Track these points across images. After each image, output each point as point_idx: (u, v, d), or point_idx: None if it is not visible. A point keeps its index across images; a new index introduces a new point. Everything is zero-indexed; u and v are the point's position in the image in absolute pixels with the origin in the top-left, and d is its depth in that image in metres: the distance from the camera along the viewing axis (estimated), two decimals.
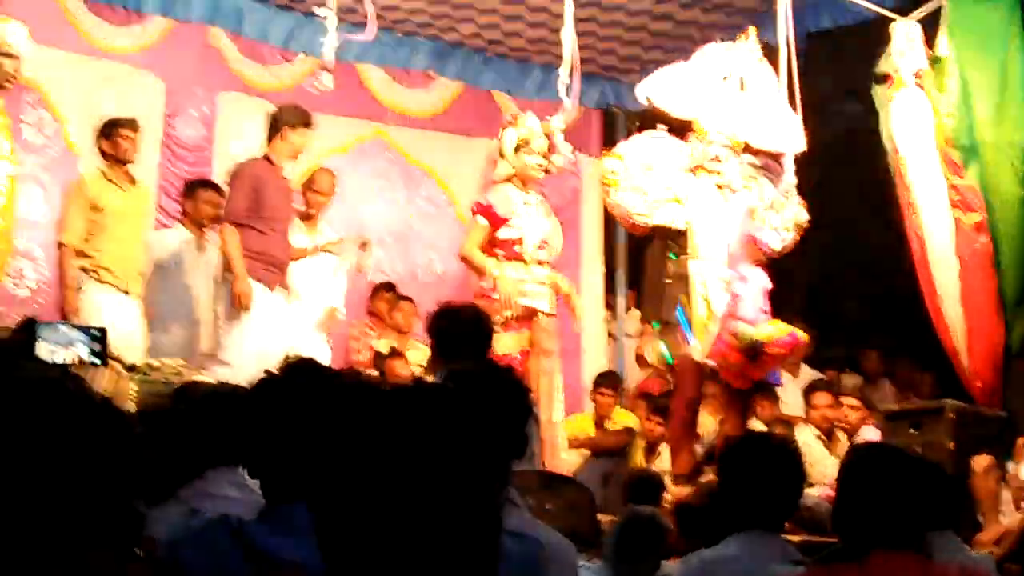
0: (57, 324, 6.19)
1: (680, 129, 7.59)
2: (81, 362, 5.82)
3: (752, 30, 7.55)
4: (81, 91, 8.78)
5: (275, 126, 7.64)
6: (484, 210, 7.22)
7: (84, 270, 7.66)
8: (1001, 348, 7.74)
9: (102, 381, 6.07)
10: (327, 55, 6.76)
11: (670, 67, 7.62)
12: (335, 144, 9.77)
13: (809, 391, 8.72)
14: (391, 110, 10.13)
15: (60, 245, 7.74)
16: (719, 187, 7.36)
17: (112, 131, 7.81)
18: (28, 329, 5.87)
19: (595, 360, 10.44)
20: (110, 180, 7.80)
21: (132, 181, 7.95)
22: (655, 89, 7.54)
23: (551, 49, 7.13)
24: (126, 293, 7.77)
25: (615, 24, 9.63)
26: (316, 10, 6.64)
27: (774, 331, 7.09)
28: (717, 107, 7.41)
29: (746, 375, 7.20)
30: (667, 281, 7.44)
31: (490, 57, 10.36)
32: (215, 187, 8.45)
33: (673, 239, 7.41)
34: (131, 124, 7.92)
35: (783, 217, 7.47)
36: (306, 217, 8.47)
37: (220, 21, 9.34)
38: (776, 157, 7.55)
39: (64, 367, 5.33)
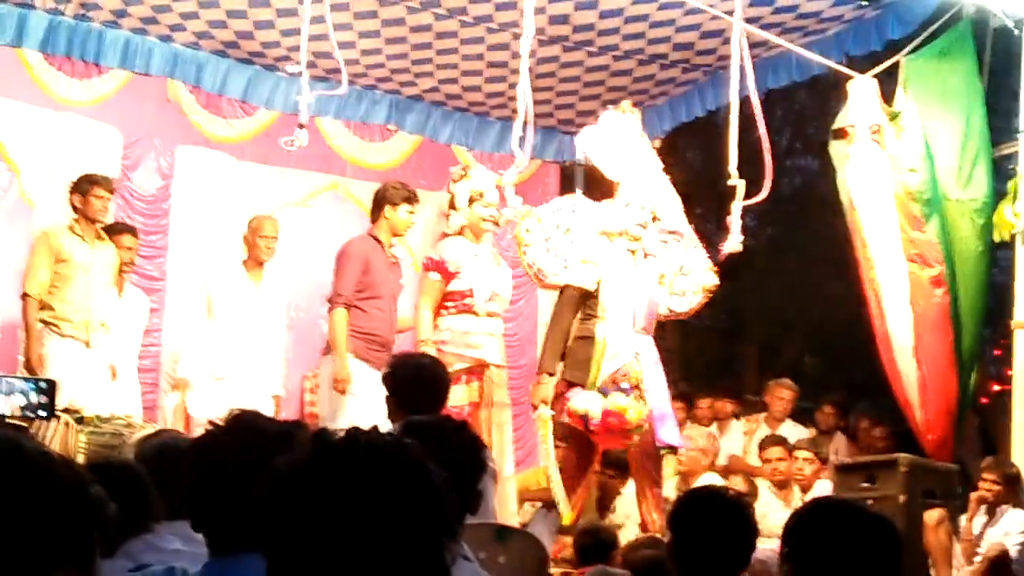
0: (4, 376, 6.16)
1: (605, 186, 7.65)
2: (24, 413, 5.78)
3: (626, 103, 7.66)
4: (37, 143, 8.79)
5: (379, 204, 7.61)
6: (436, 265, 7.22)
7: (45, 322, 7.65)
8: (955, 402, 7.80)
9: (48, 433, 6.05)
10: (302, 113, 6.75)
11: (611, 122, 7.60)
12: (293, 197, 9.79)
13: (763, 445, 8.76)
14: (350, 163, 10.15)
15: (24, 296, 7.70)
16: (632, 252, 7.35)
17: (87, 188, 7.81)
18: None
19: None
20: (77, 234, 7.79)
21: (99, 237, 7.95)
22: (591, 144, 7.57)
23: (510, 103, 7.17)
24: (87, 345, 7.75)
25: (572, 79, 9.70)
26: (288, 68, 6.64)
27: (599, 409, 7.03)
28: (643, 173, 7.44)
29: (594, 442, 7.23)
30: (581, 339, 7.34)
31: (449, 111, 10.41)
32: (132, 231, 8.43)
33: (584, 300, 7.32)
34: (107, 183, 7.94)
35: (692, 281, 7.56)
36: (255, 264, 8.44)
37: (179, 73, 9.34)
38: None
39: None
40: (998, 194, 7.71)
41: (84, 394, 7.49)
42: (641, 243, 7.33)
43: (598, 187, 8.07)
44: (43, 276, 7.67)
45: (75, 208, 7.83)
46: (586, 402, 6.98)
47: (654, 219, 7.43)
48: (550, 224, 7.46)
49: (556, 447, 7.22)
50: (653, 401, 7.14)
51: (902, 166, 7.81)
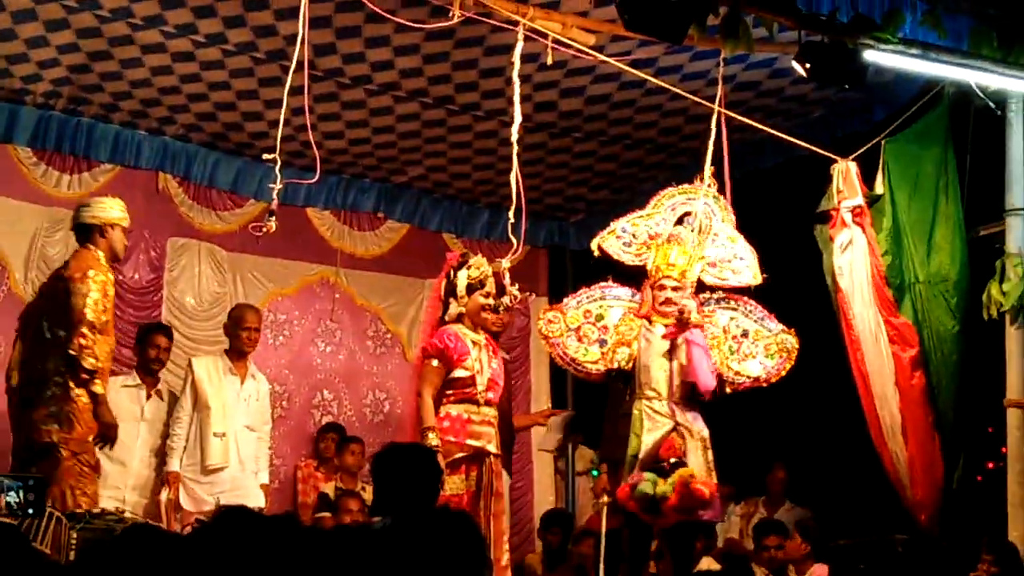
0: None
1: (630, 274, 7.70)
2: (12, 511, 5.74)
3: (708, 170, 7.69)
4: (27, 237, 8.81)
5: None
6: (439, 352, 7.19)
7: None
8: (942, 480, 7.80)
9: (39, 531, 6.00)
10: (274, 200, 6.80)
11: (624, 218, 7.72)
12: (283, 286, 9.81)
13: (759, 533, 8.71)
14: (339, 251, 10.19)
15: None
16: (671, 327, 7.41)
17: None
18: None
19: (544, 499, 10.41)
20: None
21: None
22: (608, 241, 7.66)
23: (498, 190, 7.22)
24: None
25: (560, 166, 9.78)
26: (264, 155, 6.70)
27: (669, 487, 7.10)
28: (669, 251, 7.51)
29: (649, 523, 7.28)
30: (622, 417, 7.48)
31: (438, 198, 10.47)
32: (166, 331, 8.44)
33: (626, 380, 7.47)
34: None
35: (763, 344, 7.54)
36: (237, 356, 8.45)
37: (169, 166, 9.40)
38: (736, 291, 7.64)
39: None
40: (983, 273, 7.74)
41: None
42: (680, 316, 7.36)
43: (590, 272, 8.10)
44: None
45: None
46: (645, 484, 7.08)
47: (701, 287, 7.47)
48: (577, 314, 7.60)
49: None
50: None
51: (877, 250, 7.89)
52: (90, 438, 7.07)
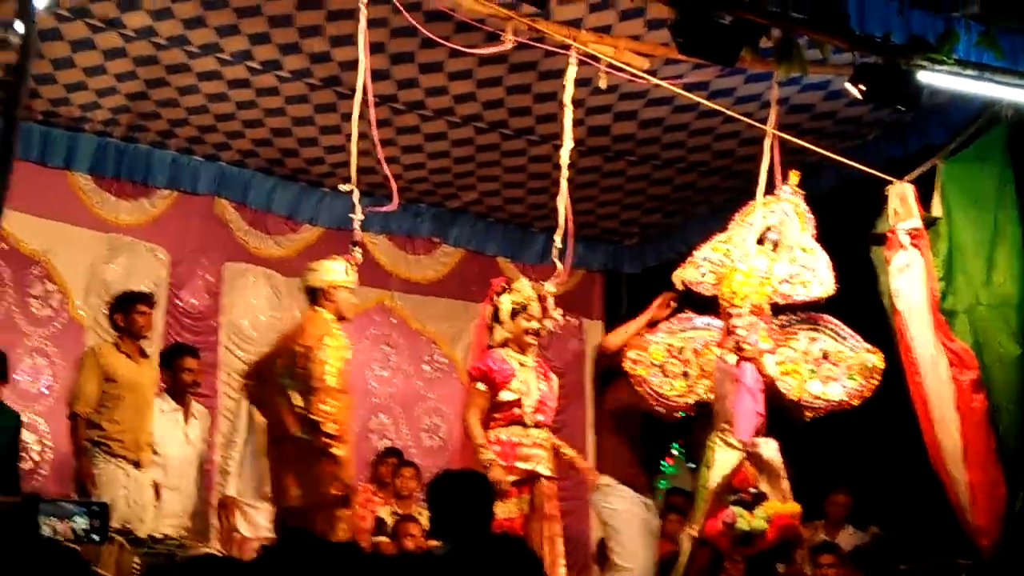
0: (57, 500, 6.18)
1: (704, 302, 7.70)
2: (78, 537, 5.79)
3: (794, 175, 7.67)
4: (86, 263, 8.93)
5: None
6: (483, 375, 7.22)
7: (94, 442, 7.59)
8: (1004, 506, 7.70)
9: (103, 557, 6.06)
10: (356, 230, 6.85)
11: (707, 244, 7.71)
12: None
13: (815, 553, 8.64)
14: (395, 276, 10.22)
15: (72, 416, 7.64)
16: (741, 353, 7.38)
17: (129, 306, 7.85)
18: (30, 505, 5.86)
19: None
20: (123, 352, 7.81)
21: (143, 354, 7.96)
22: (688, 272, 7.66)
23: (553, 214, 7.22)
24: (137, 464, 7.70)
25: (614, 189, 9.77)
26: (341, 186, 6.73)
27: (765, 521, 7.09)
28: (734, 278, 7.48)
29: (738, 557, 7.24)
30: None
31: (493, 223, 10.50)
32: (193, 352, 8.44)
33: (709, 413, 7.46)
34: (147, 299, 7.99)
35: (845, 365, 7.45)
36: None
37: (226, 192, 9.50)
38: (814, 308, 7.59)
39: (60, 546, 5.30)
40: None
41: (136, 515, 7.51)
42: (750, 347, 7.35)
43: (646, 297, 8.09)
44: (91, 395, 7.62)
45: (118, 326, 7.86)
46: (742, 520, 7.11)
47: (760, 312, 7.45)
48: (659, 349, 7.58)
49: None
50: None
51: (935, 274, 7.83)
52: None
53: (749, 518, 7.10)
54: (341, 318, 7.26)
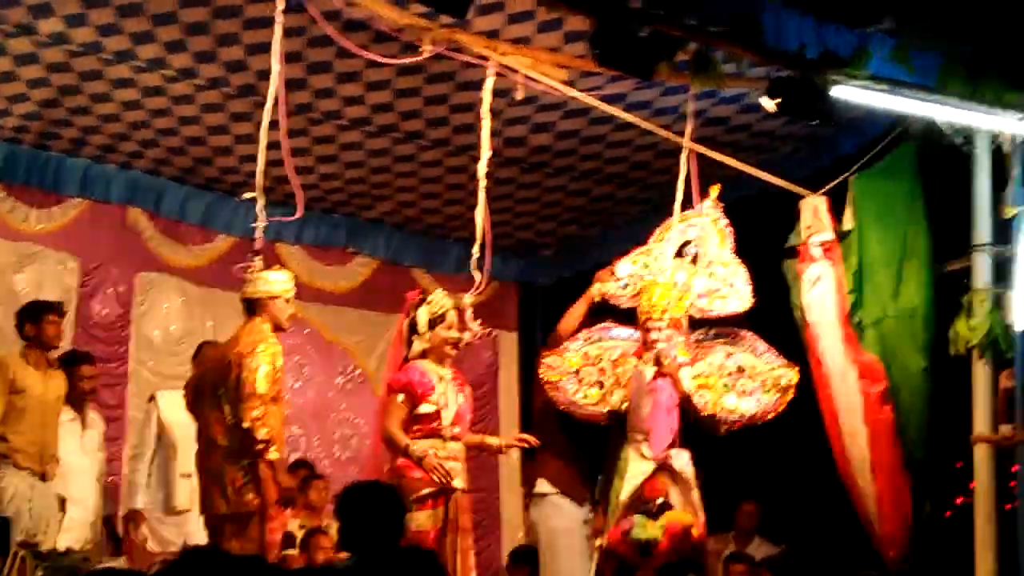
0: None
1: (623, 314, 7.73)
2: None
3: (714, 190, 7.73)
4: None
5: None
6: (404, 387, 7.19)
7: (1, 454, 7.47)
8: (910, 516, 7.81)
9: (4, 571, 5.96)
10: (258, 239, 6.78)
11: (626, 257, 7.75)
12: None
13: (728, 562, 8.71)
14: (309, 287, 10.14)
15: None
16: (659, 367, 7.41)
17: (39, 315, 7.71)
18: None
19: (513, 535, 10.37)
20: (30, 363, 7.66)
21: (50, 365, 7.81)
22: (608, 285, 7.70)
23: (469, 225, 7.21)
24: (43, 477, 7.57)
25: (531, 201, 9.79)
26: (245, 195, 6.67)
27: (659, 531, 7.13)
28: (653, 291, 7.51)
29: (640, 567, 7.25)
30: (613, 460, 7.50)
31: (408, 234, 10.46)
32: (89, 359, 8.25)
33: (622, 423, 7.47)
34: (57, 309, 7.88)
35: (760, 380, 7.49)
36: None
37: (138, 200, 9.38)
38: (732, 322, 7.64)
39: None
40: (950, 309, 7.77)
41: (41, 528, 7.39)
42: (666, 359, 7.37)
43: (561, 308, 8.11)
44: None
45: (27, 336, 7.71)
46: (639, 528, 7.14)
47: (678, 325, 7.47)
48: (576, 357, 7.63)
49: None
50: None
51: (845, 287, 7.92)
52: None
53: (646, 526, 7.14)
54: (278, 328, 7.21)
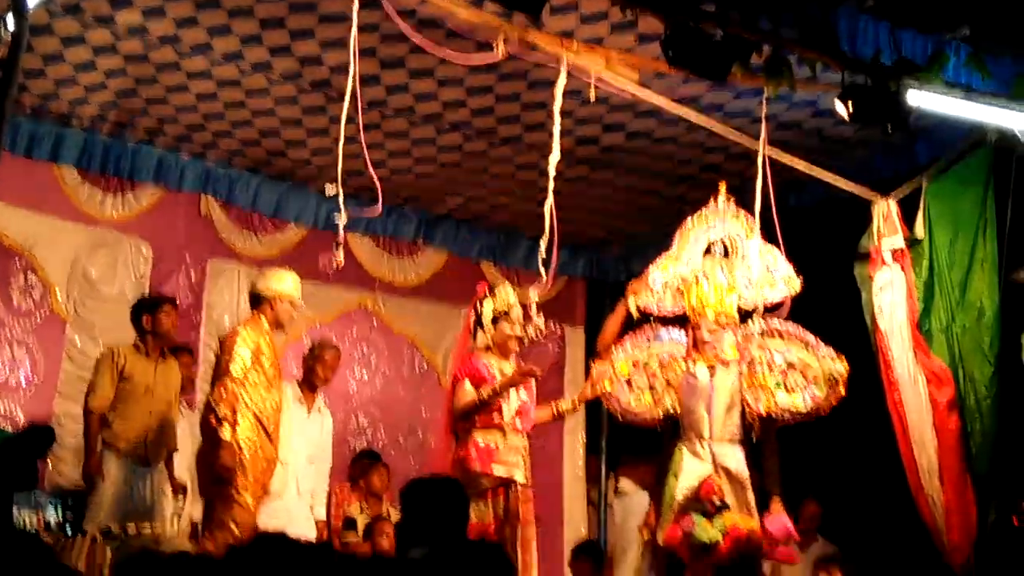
0: (33, 491, 6.17)
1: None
2: (49, 528, 5.80)
3: (722, 186, 7.71)
4: (69, 257, 8.90)
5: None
6: (471, 373, 7.25)
7: (104, 440, 7.56)
8: (976, 524, 7.76)
9: (73, 549, 6.06)
10: (339, 233, 6.83)
11: (654, 265, 7.72)
12: (320, 313, 9.81)
13: (818, 566, 8.69)
14: (378, 279, 10.22)
15: (86, 412, 7.61)
16: (710, 366, 7.41)
17: (157, 308, 7.88)
18: (4, 493, 5.86)
19: (576, 529, 10.40)
20: (142, 353, 7.78)
21: (163, 356, 7.91)
22: (644, 298, 7.67)
23: (538, 220, 7.23)
24: (146, 465, 7.67)
25: (603, 199, 9.79)
26: (328, 190, 6.70)
27: (721, 532, 7.12)
28: (699, 290, 7.50)
29: (693, 565, 7.25)
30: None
31: (478, 228, 10.50)
32: (174, 301, 8.31)
33: (676, 424, 7.49)
34: (173, 302, 8.10)
35: (810, 374, 7.45)
36: (308, 388, 8.37)
37: (212, 189, 9.49)
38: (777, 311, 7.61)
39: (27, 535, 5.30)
40: (1019, 317, 7.70)
41: (141, 512, 7.52)
42: (716, 356, 7.39)
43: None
44: (106, 393, 7.60)
45: (143, 328, 7.82)
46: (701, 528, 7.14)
47: (722, 323, 7.46)
48: (625, 364, 7.64)
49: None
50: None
51: (915, 293, 7.89)
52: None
53: (706, 528, 7.13)
54: (278, 327, 7.30)
